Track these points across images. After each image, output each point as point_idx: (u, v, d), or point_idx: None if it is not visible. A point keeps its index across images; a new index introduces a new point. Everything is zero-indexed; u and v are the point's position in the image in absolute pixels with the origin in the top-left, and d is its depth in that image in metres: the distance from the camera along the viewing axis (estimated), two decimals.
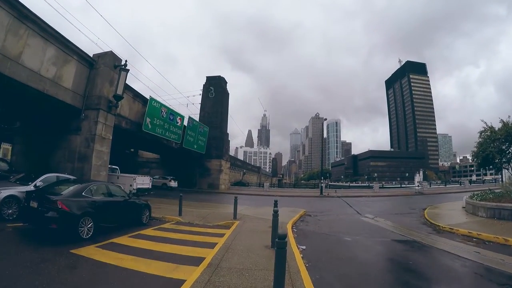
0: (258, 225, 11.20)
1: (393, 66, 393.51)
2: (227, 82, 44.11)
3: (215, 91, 41.16)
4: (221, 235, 9.29)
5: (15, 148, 19.61)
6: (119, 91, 16.53)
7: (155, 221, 12.17)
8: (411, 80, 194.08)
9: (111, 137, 16.98)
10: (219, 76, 43.16)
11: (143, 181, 19.31)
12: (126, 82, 19.92)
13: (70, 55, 15.49)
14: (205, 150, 36.19)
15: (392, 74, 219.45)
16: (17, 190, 10.02)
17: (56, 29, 14.32)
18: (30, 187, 10.31)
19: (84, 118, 16.13)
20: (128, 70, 16.99)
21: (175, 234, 9.65)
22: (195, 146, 32.62)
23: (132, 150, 40.62)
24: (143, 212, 11.31)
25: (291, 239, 8.68)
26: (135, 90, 21.18)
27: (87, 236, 8.18)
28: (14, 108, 18.32)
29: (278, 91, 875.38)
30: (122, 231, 9.51)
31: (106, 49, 17.31)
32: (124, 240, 8.54)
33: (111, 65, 16.95)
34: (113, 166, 20.82)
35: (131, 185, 18.13)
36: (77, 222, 8.02)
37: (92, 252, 7.02)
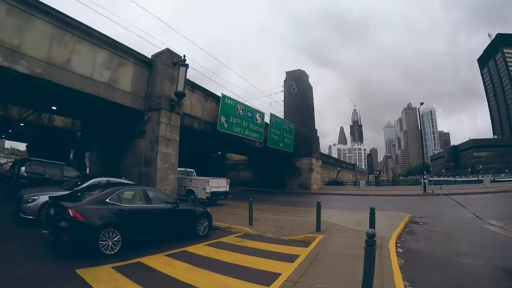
0: (348, 242, 7.79)
1: (483, 42, 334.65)
2: (308, 75, 40.52)
3: (297, 86, 38.01)
4: (292, 259, 6.38)
5: (92, 156, 20.05)
6: (180, 88, 14.92)
7: (218, 232, 9.90)
8: (506, 54, 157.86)
9: (177, 138, 15.52)
10: (299, 70, 39.89)
11: (219, 184, 17.18)
12: (201, 84, 19.06)
13: (125, 58, 14.63)
14: (293, 148, 33.20)
15: (483, 51, 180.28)
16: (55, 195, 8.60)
17: (107, 34, 13.63)
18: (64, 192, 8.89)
19: (147, 120, 15.05)
20: (187, 65, 15.41)
21: (230, 254, 7.02)
22: (281, 145, 29.92)
23: (219, 153, 39.95)
24: (198, 222, 9.14)
25: (397, 278, 5.04)
26: (206, 89, 19.74)
27: (112, 252, 6.32)
28: (86, 118, 18.66)
29: (365, 84, 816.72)
30: (166, 245, 7.45)
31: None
32: (156, 259, 6.31)
33: (169, 62, 15.63)
34: (188, 169, 19.54)
35: (204, 189, 16.22)
36: (96, 234, 6.18)
37: (102, 275, 5.16)
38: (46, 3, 11.54)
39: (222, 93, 20.40)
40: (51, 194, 8.52)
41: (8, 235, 7.49)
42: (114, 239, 6.44)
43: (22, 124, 27.29)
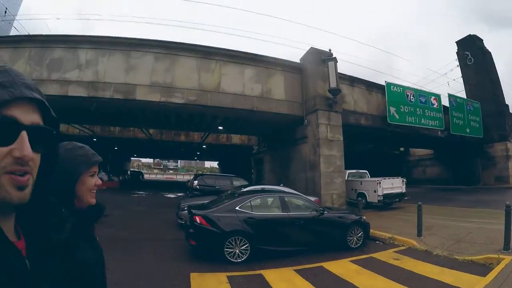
0: None
1: None
2: (482, 39, 31.24)
3: (473, 55, 29.39)
4: None
5: (265, 166, 20.86)
6: (333, 84, 14.08)
7: (377, 244, 8.21)
8: None
9: (341, 138, 14.55)
10: (470, 36, 30.50)
11: (393, 185, 14.90)
12: (365, 78, 17.85)
13: (272, 68, 15.10)
14: (482, 132, 26.25)
15: None
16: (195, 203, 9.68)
17: (248, 52, 14.74)
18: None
19: (307, 124, 14.81)
20: (335, 58, 14.45)
21: (373, 278, 5.44)
22: (468, 130, 23.83)
23: (402, 149, 35.61)
24: (350, 232, 7.69)
25: None
26: (367, 81, 17.92)
27: (238, 260, 6.19)
28: (253, 132, 20.47)
29: None
30: (303, 257, 6.65)
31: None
32: (279, 274, 5.69)
33: (317, 61, 15.03)
34: (361, 171, 17.84)
35: (375, 191, 14.42)
36: (221, 241, 6.20)
37: (209, 282, 5.18)
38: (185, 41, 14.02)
39: (385, 81, 17.99)
40: (197, 202, 9.39)
41: (164, 236, 8.60)
42: (242, 248, 6.26)
43: (204, 146, 32.46)
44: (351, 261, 6.52)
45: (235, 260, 6.17)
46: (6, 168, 0.60)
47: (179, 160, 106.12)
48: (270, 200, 7.66)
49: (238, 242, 6.29)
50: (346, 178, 15.65)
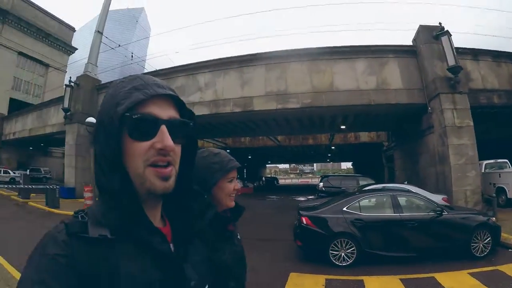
0: None
1: None
2: None
3: None
4: None
5: (396, 163, 19.17)
6: (451, 62, 12.08)
7: (509, 253, 6.71)
8: None
9: (471, 123, 12.31)
10: None
11: None
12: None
13: (383, 57, 14.03)
14: None
15: None
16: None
17: (355, 44, 14.43)
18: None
19: (431, 112, 13.10)
20: (447, 31, 12.46)
21: None
22: None
23: None
24: (474, 237, 6.34)
25: None
26: (493, 50, 14.64)
27: (344, 263, 6.06)
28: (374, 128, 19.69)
29: None
30: (417, 264, 5.94)
31: None
32: (384, 282, 5.27)
33: (429, 39, 13.25)
34: (499, 160, 14.64)
35: None
36: (326, 243, 6.17)
37: (306, 284, 5.24)
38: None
39: None
40: (309, 204, 9.38)
41: (281, 237, 8.86)
42: (348, 251, 6.04)
43: (333, 148, 31.87)
44: (471, 273, 5.44)
45: (340, 264, 6.00)
46: (149, 160, 0.67)
47: (314, 164, 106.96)
48: (381, 200, 7.10)
49: (344, 245, 6.10)
50: (482, 171, 13.42)
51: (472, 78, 13.59)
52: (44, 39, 39.33)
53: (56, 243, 0.62)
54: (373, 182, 14.93)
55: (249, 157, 43.85)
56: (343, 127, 19.37)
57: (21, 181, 18.49)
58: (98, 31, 21.24)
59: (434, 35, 13.02)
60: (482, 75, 13.99)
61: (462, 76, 12.38)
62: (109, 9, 22.32)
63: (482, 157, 12.80)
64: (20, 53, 36.96)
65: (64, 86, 19.74)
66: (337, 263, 6.01)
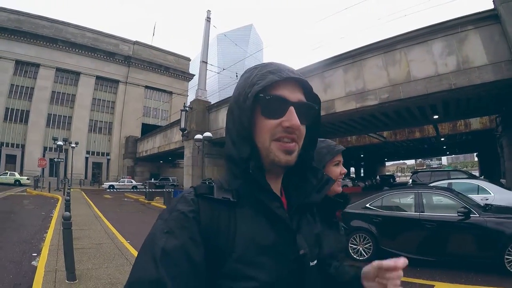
0: None
1: None
2: None
3: None
4: None
5: (505, 152, 16.13)
6: None
7: None
8: None
9: None
10: None
11: None
12: None
13: (461, 31, 12.31)
14: None
15: None
16: None
17: (422, 26, 13.00)
18: None
19: None
20: None
21: None
22: None
23: None
24: (510, 247, 5.15)
25: None
26: None
27: (361, 258, 6.42)
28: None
29: None
30: (436, 269, 5.59)
31: None
32: None
33: None
34: None
35: None
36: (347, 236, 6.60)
37: None
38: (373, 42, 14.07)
39: None
40: None
41: None
42: (365, 246, 6.31)
43: (442, 139, 28.62)
44: None
45: (358, 258, 6.31)
46: (276, 135, 0.75)
47: (443, 158, 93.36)
48: (405, 197, 6.81)
49: (361, 240, 6.39)
50: None
51: None
52: (164, 71, 48.66)
53: (185, 201, 0.72)
54: (466, 176, 13.54)
55: (361, 155, 43.06)
56: (435, 116, 17.57)
57: (147, 187, 23.31)
58: (203, 61, 24.97)
59: None
60: None
61: None
62: (223, 32, 26.08)
63: None
64: (147, 87, 46.93)
65: (180, 111, 23.77)
66: (355, 256, 6.35)
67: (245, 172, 0.75)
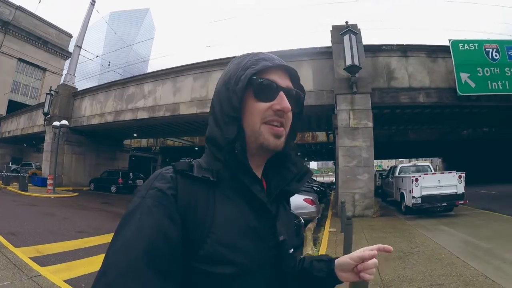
0: None
1: None
2: None
3: None
4: None
5: None
6: (348, 61, 11.98)
7: None
8: None
9: (370, 124, 12.17)
10: None
11: (440, 183, 10.00)
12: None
13: (299, 60, 14.35)
14: None
15: None
16: None
17: None
18: None
19: (336, 113, 12.92)
20: (349, 29, 12.32)
21: None
22: None
23: None
24: None
25: None
26: (429, 45, 14.18)
27: None
28: None
29: None
30: None
31: None
32: None
33: (336, 38, 13.08)
34: (420, 164, 14.81)
35: (410, 191, 11.11)
36: None
37: None
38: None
39: (450, 40, 13.37)
40: None
41: None
42: None
43: (307, 146, 33.08)
44: None
45: None
46: (266, 118, 0.77)
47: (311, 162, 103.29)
48: None
49: None
50: (396, 174, 13.72)
51: (396, 77, 13.41)
52: (42, 45, 42.86)
53: (163, 178, 0.70)
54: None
55: None
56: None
57: (4, 172, 21.88)
58: (77, 45, 23.63)
59: (341, 33, 12.79)
60: (409, 72, 13.58)
61: (386, 72, 13.07)
62: (114, 11, 24.71)
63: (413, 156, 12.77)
64: (20, 59, 40.77)
65: (45, 94, 22.25)
66: None
67: (228, 153, 0.75)
